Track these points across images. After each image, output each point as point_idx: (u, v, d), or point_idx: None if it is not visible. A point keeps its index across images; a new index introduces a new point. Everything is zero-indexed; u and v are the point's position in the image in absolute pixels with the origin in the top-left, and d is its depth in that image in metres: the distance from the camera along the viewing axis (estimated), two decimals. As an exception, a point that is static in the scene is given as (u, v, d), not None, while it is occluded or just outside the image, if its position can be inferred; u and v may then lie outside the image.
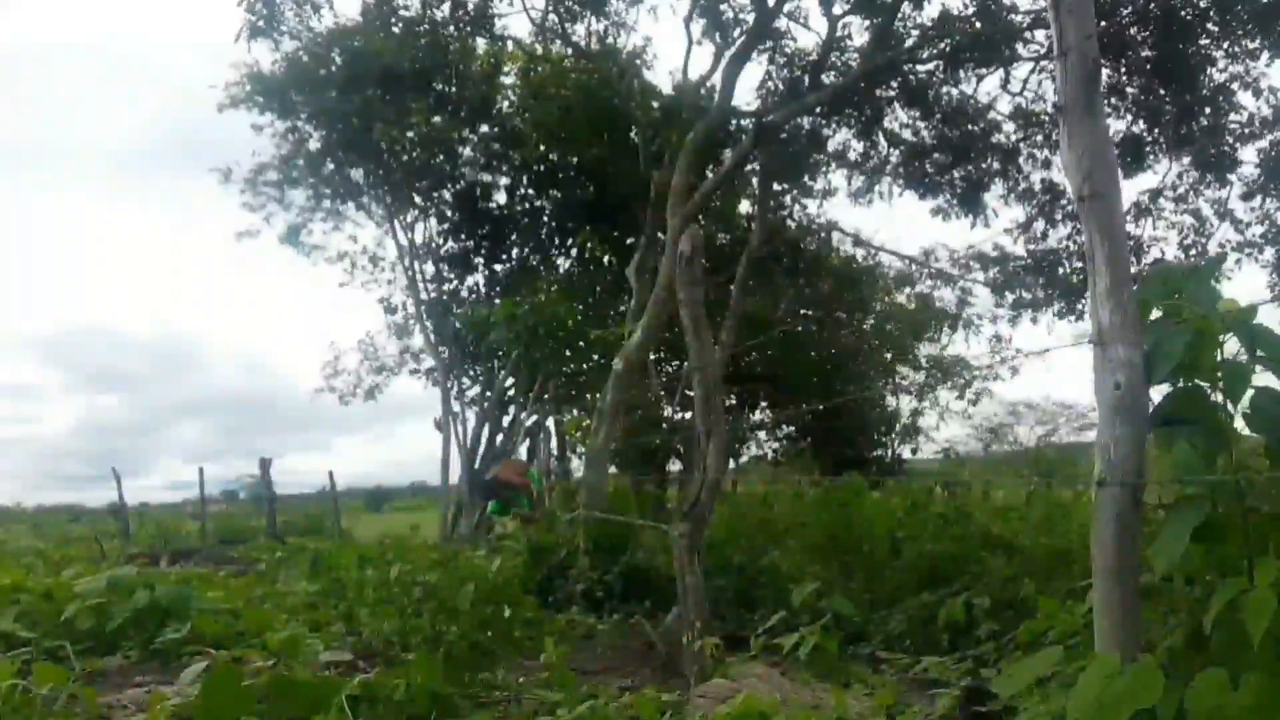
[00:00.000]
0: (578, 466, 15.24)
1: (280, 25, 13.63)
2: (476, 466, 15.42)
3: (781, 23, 13.58)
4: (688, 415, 14.65)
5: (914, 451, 22.74)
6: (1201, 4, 11.63)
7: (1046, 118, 12.97)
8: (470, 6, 14.52)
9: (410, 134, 14.67)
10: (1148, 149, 13.11)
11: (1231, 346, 2.34)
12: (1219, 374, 2.32)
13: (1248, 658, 2.01)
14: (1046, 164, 13.85)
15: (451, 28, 14.82)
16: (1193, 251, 13.71)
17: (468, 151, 16.18)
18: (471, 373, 16.59)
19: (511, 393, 15.54)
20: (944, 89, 13.61)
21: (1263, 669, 1.97)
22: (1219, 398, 2.33)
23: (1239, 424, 2.35)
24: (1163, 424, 2.38)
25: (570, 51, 15.00)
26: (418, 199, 16.36)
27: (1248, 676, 1.96)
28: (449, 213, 16.61)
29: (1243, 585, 2.09)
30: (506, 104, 16.08)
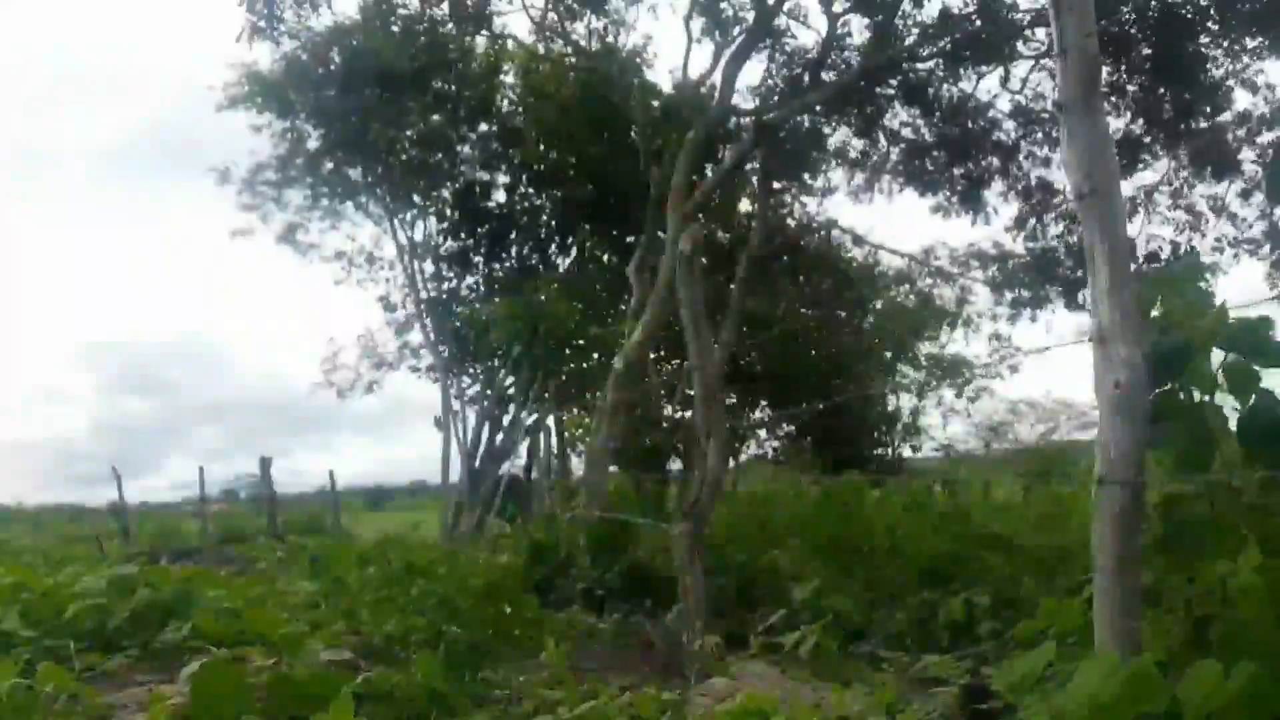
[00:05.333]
0: (578, 466, 15.25)
1: (280, 25, 13.62)
2: (476, 465, 15.43)
3: (781, 21, 13.59)
4: (688, 415, 14.65)
5: (915, 450, 22.75)
6: (1201, 2, 11.63)
7: (1046, 115, 12.98)
8: (469, 5, 14.51)
9: (409, 133, 14.67)
10: (1147, 147, 13.12)
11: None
12: (1207, 376, 2.35)
13: (1246, 652, 2.02)
14: (1046, 162, 13.87)
15: (450, 26, 14.81)
16: (1192, 249, 13.73)
17: (467, 150, 16.18)
18: (471, 371, 16.59)
19: (511, 391, 15.55)
20: (944, 87, 13.61)
21: (1259, 658, 1.97)
22: (1204, 397, 2.36)
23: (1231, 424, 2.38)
24: (1154, 424, 2.40)
25: (570, 50, 15.00)
26: (417, 198, 16.35)
27: (1240, 665, 1.97)
28: (448, 211, 16.61)
29: (1231, 568, 2.11)
30: (506, 103, 16.08)
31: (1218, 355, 2.42)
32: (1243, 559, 2.13)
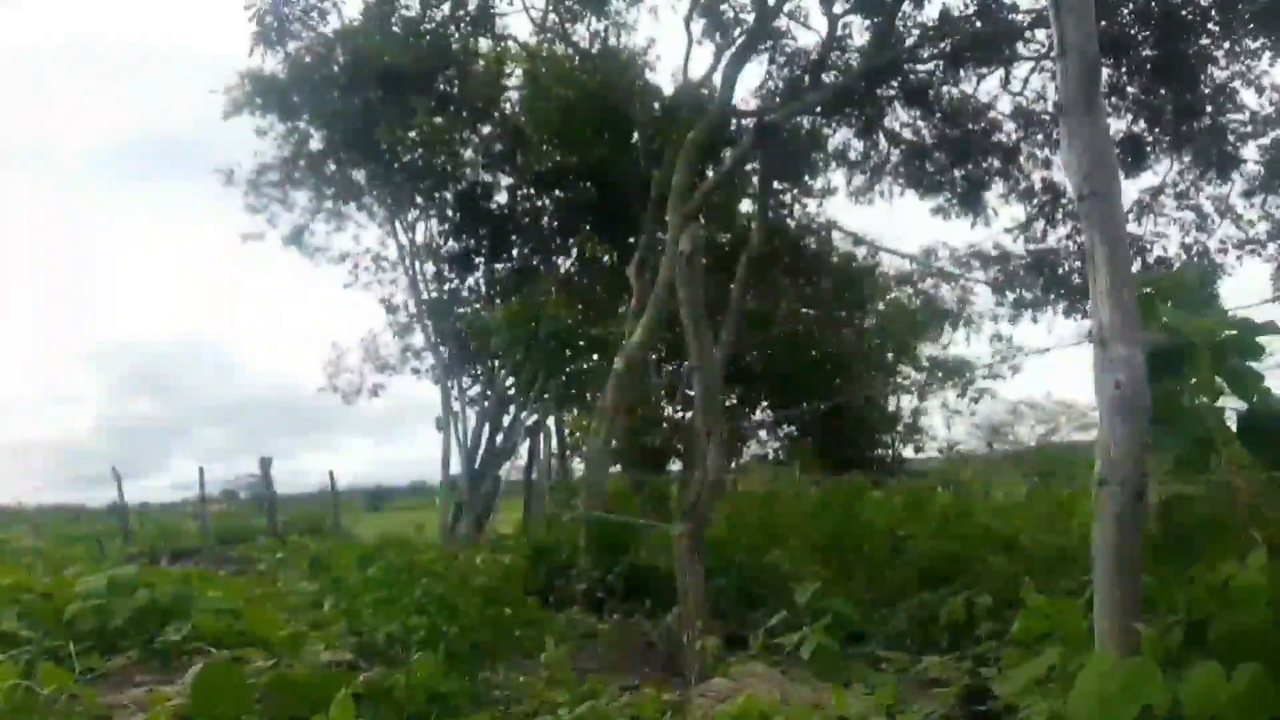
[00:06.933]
0: (579, 466, 15.25)
1: (289, 34, 13.61)
2: (476, 466, 15.45)
3: (782, 22, 13.60)
4: (688, 415, 14.66)
5: (918, 450, 22.73)
6: (1202, 3, 11.63)
7: (1047, 117, 12.98)
8: (471, 6, 14.52)
9: (412, 134, 14.67)
10: (1148, 148, 13.12)
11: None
12: (1203, 377, 2.36)
13: (1246, 653, 2.02)
14: (1047, 163, 13.88)
15: (452, 28, 14.82)
16: (1195, 249, 13.73)
17: (468, 153, 16.19)
18: (472, 372, 16.60)
19: (512, 392, 15.55)
20: (944, 88, 13.62)
21: (1260, 659, 1.97)
22: (1204, 399, 2.37)
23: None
24: (1154, 424, 2.40)
25: (571, 52, 15.02)
26: (419, 199, 16.36)
27: (1242, 667, 1.97)
28: (450, 213, 16.62)
29: (1232, 570, 2.11)
30: (508, 105, 16.10)
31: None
32: (1250, 559, 2.12)
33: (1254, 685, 1.93)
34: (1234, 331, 2.41)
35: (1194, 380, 2.42)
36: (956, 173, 14.16)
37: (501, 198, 16.70)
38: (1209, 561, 2.29)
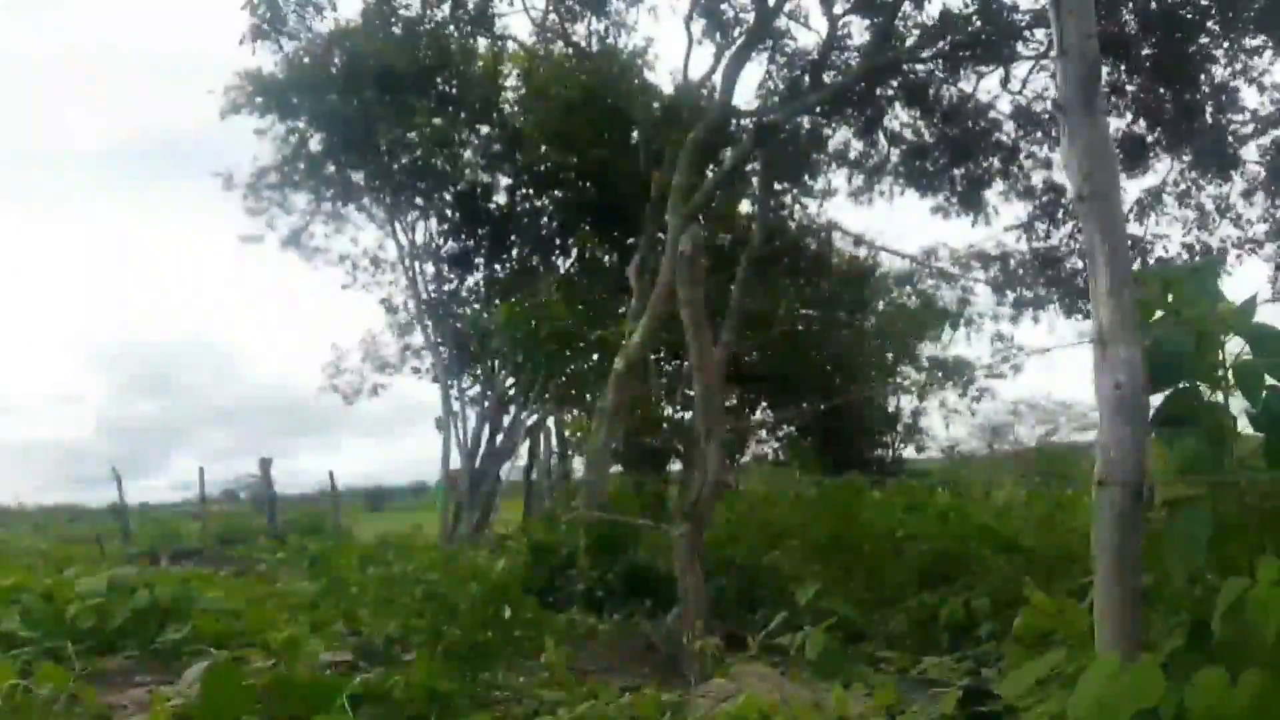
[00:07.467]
0: (579, 466, 15.25)
1: (283, 27, 13.63)
2: (477, 466, 15.45)
3: (782, 22, 13.59)
4: (688, 415, 14.65)
5: (920, 450, 22.75)
6: (1202, 2, 11.63)
7: (1047, 116, 12.97)
8: (470, 6, 14.53)
9: (411, 135, 14.67)
10: (1148, 148, 13.11)
11: (1232, 346, 2.36)
12: (1219, 375, 2.33)
13: (1250, 657, 2.01)
14: (1047, 163, 13.87)
15: (452, 28, 14.82)
16: (1196, 249, 13.72)
17: (468, 154, 16.19)
18: (472, 372, 16.61)
19: (512, 392, 15.55)
20: (944, 88, 13.61)
21: (1267, 668, 1.96)
22: (1219, 397, 2.34)
23: (1242, 424, 2.36)
24: (1164, 424, 2.39)
25: (571, 52, 15.02)
26: (418, 199, 16.36)
27: (1247, 674, 1.96)
28: (449, 213, 16.62)
29: (1246, 584, 2.09)
30: (507, 105, 16.10)
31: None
32: (1261, 573, 2.10)
33: (1260, 693, 1.92)
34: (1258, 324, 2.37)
35: (1208, 372, 2.38)
36: (956, 172, 14.15)
37: (501, 198, 16.71)
38: (1217, 567, 2.27)
